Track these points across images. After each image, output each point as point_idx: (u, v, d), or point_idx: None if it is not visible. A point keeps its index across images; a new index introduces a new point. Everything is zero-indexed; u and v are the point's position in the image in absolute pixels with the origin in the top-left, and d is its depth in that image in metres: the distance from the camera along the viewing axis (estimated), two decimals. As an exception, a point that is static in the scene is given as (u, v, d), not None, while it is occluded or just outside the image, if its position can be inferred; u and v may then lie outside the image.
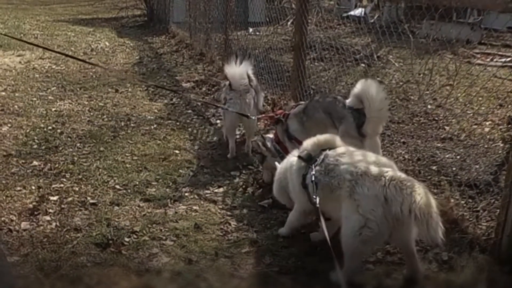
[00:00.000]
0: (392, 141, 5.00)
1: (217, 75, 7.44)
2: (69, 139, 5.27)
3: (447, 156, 4.66)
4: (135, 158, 4.83)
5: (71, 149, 5.00)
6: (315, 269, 3.13)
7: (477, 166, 4.39)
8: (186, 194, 4.16)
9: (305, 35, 5.23)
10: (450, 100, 5.74)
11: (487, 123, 5.34)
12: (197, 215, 3.83)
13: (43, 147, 5.04)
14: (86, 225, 3.65)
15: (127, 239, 3.48)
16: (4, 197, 4.02)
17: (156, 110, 6.26)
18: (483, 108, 5.77)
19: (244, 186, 4.31)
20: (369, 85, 3.69)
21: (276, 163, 3.82)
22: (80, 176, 4.42)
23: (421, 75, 6.11)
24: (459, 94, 5.85)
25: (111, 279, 3.10)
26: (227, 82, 4.87)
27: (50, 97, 6.73)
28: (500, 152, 4.63)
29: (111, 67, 8.42)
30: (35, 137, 5.28)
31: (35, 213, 3.79)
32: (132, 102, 6.56)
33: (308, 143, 3.29)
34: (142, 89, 7.08)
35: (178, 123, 5.81)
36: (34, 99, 6.62)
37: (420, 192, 2.71)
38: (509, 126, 5.21)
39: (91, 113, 6.10)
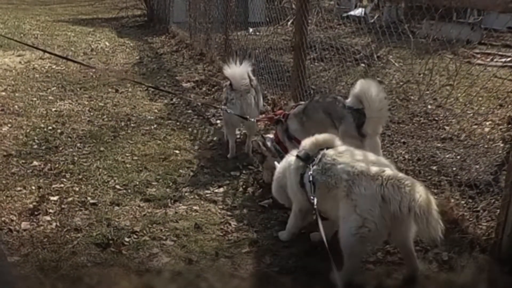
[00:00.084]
0: (392, 141, 5.00)
1: (217, 75, 7.44)
2: (69, 139, 5.28)
3: (447, 156, 4.66)
4: (135, 158, 4.83)
5: (71, 149, 5.00)
6: (316, 269, 3.13)
7: (477, 166, 4.39)
8: (186, 194, 4.16)
9: (305, 35, 5.24)
10: (450, 100, 5.74)
11: (487, 123, 5.34)
12: (198, 215, 3.84)
13: (43, 147, 5.05)
14: (86, 225, 3.65)
15: (127, 239, 3.48)
16: (4, 197, 4.02)
17: (156, 110, 6.26)
18: (483, 108, 5.77)
19: (244, 186, 4.32)
20: (368, 85, 3.70)
21: (276, 163, 3.83)
22: (80, 176, 4.42)
23: (421, 75, 6.11)
24: (459, 94, 5.84)
25: (112, 279, 3.10)
26: (228, 82, 4.87)
27: (50, 97, 6.74)
28: (500, 152, 4.63)
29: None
30: (35, 137, 5.28)
31: (35, 213, 3.79)
32: (132, 102, 6.56)
33: (306, 142, 3.30)
34: (142, 89, 7.08)
35: (178, 123, 5.81)
36: (34, 99, 6.62)
37: (419, 190, 2.72)
38: (509, 126, 5.21)
39: (91, 113, 6.10)
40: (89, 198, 4.05)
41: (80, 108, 6.29)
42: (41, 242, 3.42)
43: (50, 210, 3.84)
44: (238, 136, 5.21)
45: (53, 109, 6.22)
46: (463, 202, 3.77)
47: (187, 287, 3.09)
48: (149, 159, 4.81)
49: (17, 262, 3.21)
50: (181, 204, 4.00)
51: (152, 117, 5.99)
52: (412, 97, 6.17)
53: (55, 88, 7.18)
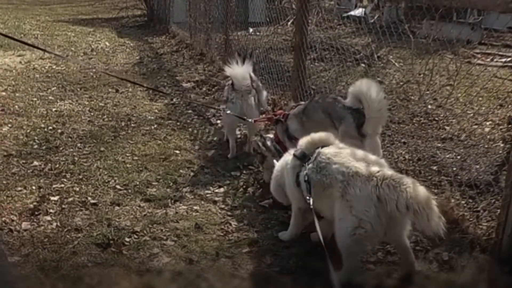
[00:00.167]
0: (393, 141, 5.00)
1: (218, 75, 7.45)
2: (69, 139, 5.28)
3: (447, 156, 4.66)
4: (136, 158, 4.84)
5: (71, 149, 5.00)
6: (316, 269, 3.13)
7: (478, 166, 4.39)
8: (187, 194, 4.16)
9: (306, 35, 5.24)
10: (451, 100, 5.74)
11: (488, 123, 5.35)
12: (198, 215, 3.84)
13: (44, 147, 5.05)
14: (87, 225, 3.65)
15: (127, 239, 3.48)
16: (4, 197, 4.02)
17: (156, 110, 6.26)
18: (483, 108, 5.77)
19: (244, 186, 4.32)
20: (367, 85, 3.69)
21: (275, 161, 3.83)
22: (80, 176, 4.42)
23: (422, 75, 6.11)
24: (459, 94, 5.85)
25: (112, 279, 3.10)
26: (230, 82, 4.87)
27: (50, 97, 6.74)
28: (500, 152, 4.63)
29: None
30: (36, 137, 5.28)
31: (36, 213, 3.79)
32: (132, 102, 6.57)
33: (303, 141, 3.31)
34: (143, 89, 7.08)
35: (178, 123, 5.81)
36: (35, 99, 6.63)
37: (415, 187, 2.72)
38: (510, 126, 5.21)
39: (92, 113, 6.11)
40: (89, 198, 4.05)
41: (80, 108, 6.30)
42: (42, 242, 3.42)
43: (51, 210, 3.84)
44: (238, 136, 5.21)
45: (54, 109, 6.22)
46: (463, 202, 3.77)
47: (188, 287, 3.09)
48: (150, 159, 4.81)
49: (17, 262, 3.21)
50: (181, 204, 4.00)
51: (152, 117, 5.99)
52: (412, 97, 6.17)
53: (55, 88, 7.18)
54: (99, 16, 14.86)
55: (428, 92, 6.06)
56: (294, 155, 3.26)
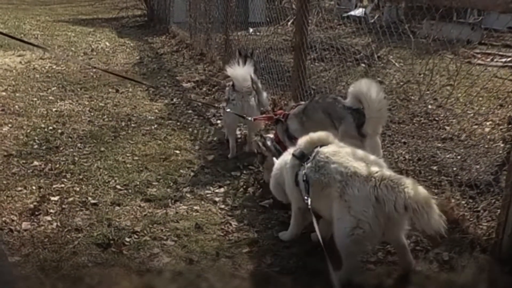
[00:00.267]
0: (393, 141, 5.00)
1: (218, 75, 7.45)
2: (69, 139, 5.28)
3: (447, 156, 4.66)
4: (136, 158, 4.84)
5: (71, 149, 5.00)
6: (316, 269, 3.13)
7: (478, 166, 4.39)
8: (187, 194, 4.16)
9: (306, 35, 5.24)
10: (451, 100, 5.74)
11: (488, 123, 5.35)
12: (198, 215, 3.84)
13: (44, 147, 5.05)
14: (87, 225, 3.66)
15: (128, 239, 3.48)
16: (5, 197, 4.02)
17: (156, 110, 6.26)
18: (483, 108, 5.77)
19: (245, 186, 4.32)
20: (367, 85, 3.69)
21: (276, 161, 3.82)
22: (81, 176, 4.42)
23: (422, 75, 6.11)
24: (459, 94, 5.85)
25: (112, 279, 3.10)
26: (231, 82, 4.88)
27: (50, 97, 6.74)
28: (500, 152, 4.63)
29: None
30: (36, 137, 5.28)
31: (36, 213, 3.79)
32: (132, 102, 6.57)
33: (302, 141, 3.31)
34: (143, 89, 7.09)
35: (178, 123, 5.82)
36: (35, 99, 6.63)
37: (413, 187, 2.73)
38: (510, 126, 5.21)
39: (92, 113, 6.11)
40: (89, 198, 4.05)
41: (80, 108, 6.30)
42: (42, 242, 3.42)
43: (51, 210, 3.85)
44: (238, 136, 5.21)
45: (54, 109, 6.22)
46: (463, 202, 3.76)
47: (188, 287, 3.09)
48: (150, 159, 4.81)
49: (18, 262, 3.22)
50: (181, 204, 4.00)
51: (152, 117, 5.99)
52: (412, 97, 6.17)
53: (55, 88, 7.18)
54: (99, 16, 14.86)
55: (428, 92, 6.06)
56: (293, 154, 3.27)
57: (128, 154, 4.91)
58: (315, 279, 3.06)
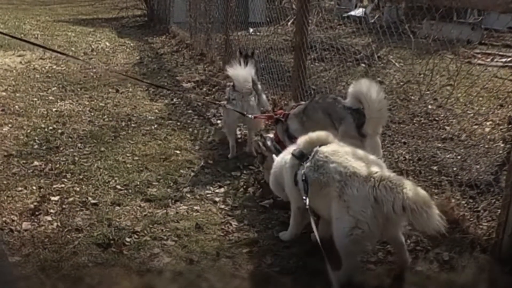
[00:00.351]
0: (393, 141, 5.01)
1: (218, 75, 7.45)
2: (70, 139, 5.28)
3: (447, 156, 4.66)
4: (136, 158, 4.84)
5: (72, 149, 5.01)
6: (316, 269, 3.13)
7: (478, 166, 4.39)
8: (187, 194, 4.17)
9: (306, 35, 5.24)
10: (451, 100, 5.74)
11: (488, 123, 5.35)
12: (198, 215, 3.84)
13: (44, 148, 5.05)
14: (87, 225, 3.66)
15: (128, 239, 3.48)
16: (5, 198, 4.02)
17: (156, 110, 6.26)
18: (483, 108, 5.77)
19: (245, 186, 4.32)
20: (367, 85, 3.69)
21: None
22: (81, 176, 4.42)
23: (422, 75, 6.11)
24: (459, 94, 5.85)
25: (113, 279, 3.10)
26: (232, 83, 4.88)
27: (50, 97, 6.74)
28: (500, 152, 4.63)
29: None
30: (36, 138, 5.28)
31: (36, 213, 3.79)
32: (132, 102, 6.57)
33: (301, 140, 3.31)
34: (143, 89, 7.09)
35: (179, 123, 5.82)
36: (35, 99, 6.63)
37: (411, 188, 2.73)
38: (510, 126, 5.21)
39: (92, 113, 6.11)
40: (90, 198, 4.05)
41: (80, 108, 6.30)
42: (42, 242, 3.42)
43: (51, 210, 3.85)
44: (238, 136, 5.21)
45: (54, 109, 6.22)
46: (463, 202, 3.77)
47: (188, 287, 3.09)
48: (150, 159, 4.81)
49: (18, 262, 3.22)
50: (182, 204, 4.00)
51: (152, 117, 5.99)
52: (412, 97, 6.17)
53: (55, 88, 7.18)
54: (99, 16, 14.85)
55: (428, 92, 6.07)
56: (293, 154, 3.27)
57: (128, 154, 4.91)
58: (315, 279, 3.06)
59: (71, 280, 3.07)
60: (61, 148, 5.04)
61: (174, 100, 6.67)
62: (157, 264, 3.25)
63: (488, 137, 5.00)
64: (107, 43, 10.54)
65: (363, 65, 7.42)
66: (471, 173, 4.26)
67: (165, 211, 3.89)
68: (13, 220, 3.69)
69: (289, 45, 7.73)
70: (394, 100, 5.92)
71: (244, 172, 4.60)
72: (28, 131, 5.47)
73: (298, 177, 3.16)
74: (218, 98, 6.45)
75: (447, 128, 5.31)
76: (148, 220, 3.74)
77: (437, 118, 5.57)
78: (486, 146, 4.80)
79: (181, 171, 4.59)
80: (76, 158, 4.79)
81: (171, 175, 4.49)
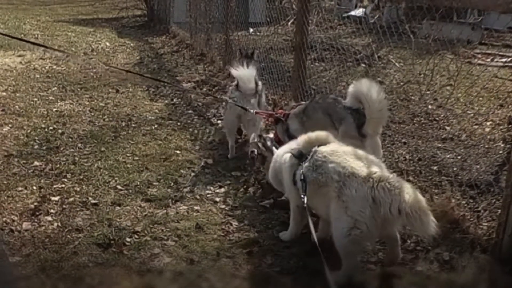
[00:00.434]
0: (393, 141, 5.01)
1: (218, 75, 7.45)
2: (70, 139, 5.28)
3: (448, 156, 4.66)
4: (136, 158, 4.84)
5: (72, 150, 5.01)
6: (316, 269, 3.13)
7: (478, 166, 4.39)
8: (187, 194, 4.17)
9: (306, 35, 5.24)
10: (451, 100, 5.74)
11: (488, 123, 5.35)
12: (199, 215, 3.84)
13: (44, 148, 5.05)
14: (88, 225, 3.66)
15: (128, 239, 3.48)
16: (5, 198, 4.02)
17: (157, 110, 6.26)
18: (483, 108, 5.77)
19: (245, 186, 4.32)
20: (367, 85, 3.69)
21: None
22: (81, 177, 4.42)
23: (422, 75, 6.11)
24: (459, 94, 5.85)
25: (113, 279, 3.10)
26: (235, 82, 4.88)
27: (51, 98, 6.74)
28: (500, 152, 4.63)
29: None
30: (36, 138, 5.28)
31: (37, 213, 3.80)
32: (133, 102, 6.57)
33: (300, 140, 3.31)
34: (143, 89, 7.09)
35: (179, 123, 5.82)
36: (35, 99, 6.63)
37: (408, 191, 2.74)
38: (510, 126, 5.21)
39: (92, 114, 6.11)
40: (90, 198, 4.05)
41: (81, 108, 6.30)
42: (43, 242, 3.42)
43: (51, 210, 3.85)
44: (239, 137, 5.21)
45: (54, 109, 6.22)
46: (464, 202, 3.77)
47: (189, 287, 3.09)
48: (150, 159, 4.81)
49: (18, 262, 3.22)
50: (182, 204, 4.00)
51: (153, 117, 5.99)
52: (412, 97, 6.17)
53: (55, 88, 7.18)
54: (99, 16, 14.85)
55: (428, 92, 6.07)
56: (292, 153, 3.27)
57: (128, 154, 4.91)
58: (315, 279, 3.06)
59: (72, 280, 3.07)
60: (61, 148, 5.04)
61: (174, 100, 6.67)
62: (157, 264, 3.25)
63: (488, 137, 5.00)
64: (107, 43, 10.54)
65: (363, 65, 7.42)
66: (471, 173, 4.26)
67: (165, 211, 3.89)
68: (13, 220, 3.69)
69: (289, 45, 7.73)
70: (394, 100, 5.92)
71: (245, 172, 4.60)
72: (28, 131, 5.47)
73: (297, 176, 3.16)
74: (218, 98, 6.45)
75: (447, 128, 5.31)
76: (149, 220, 3.74)
77: (437, 118, 5.57)
78: (486, 146, 4.80)
79: (182, 171, 4.59)
80: (77, 158, 4.79)
81: (171, 175, 4.49)
